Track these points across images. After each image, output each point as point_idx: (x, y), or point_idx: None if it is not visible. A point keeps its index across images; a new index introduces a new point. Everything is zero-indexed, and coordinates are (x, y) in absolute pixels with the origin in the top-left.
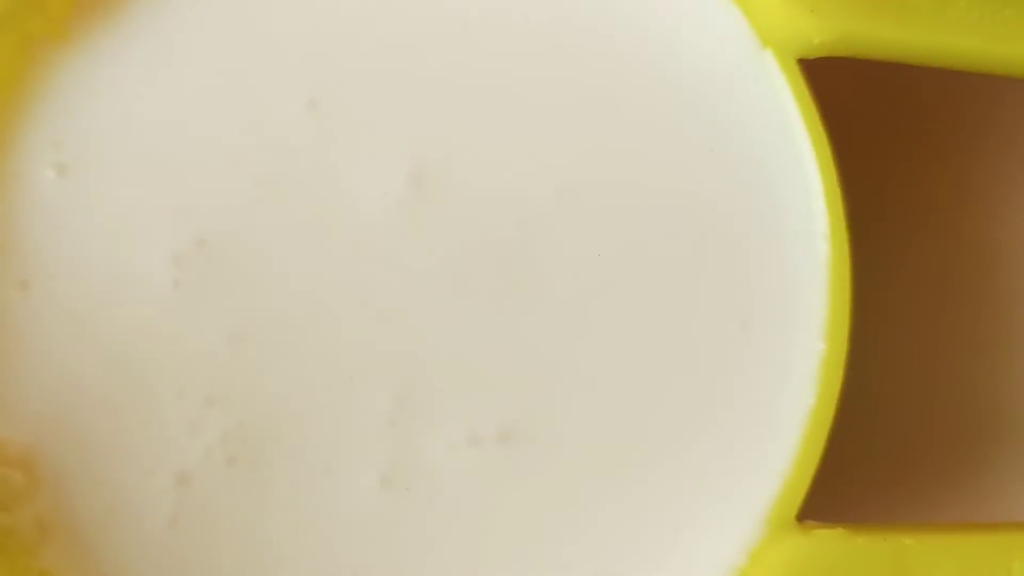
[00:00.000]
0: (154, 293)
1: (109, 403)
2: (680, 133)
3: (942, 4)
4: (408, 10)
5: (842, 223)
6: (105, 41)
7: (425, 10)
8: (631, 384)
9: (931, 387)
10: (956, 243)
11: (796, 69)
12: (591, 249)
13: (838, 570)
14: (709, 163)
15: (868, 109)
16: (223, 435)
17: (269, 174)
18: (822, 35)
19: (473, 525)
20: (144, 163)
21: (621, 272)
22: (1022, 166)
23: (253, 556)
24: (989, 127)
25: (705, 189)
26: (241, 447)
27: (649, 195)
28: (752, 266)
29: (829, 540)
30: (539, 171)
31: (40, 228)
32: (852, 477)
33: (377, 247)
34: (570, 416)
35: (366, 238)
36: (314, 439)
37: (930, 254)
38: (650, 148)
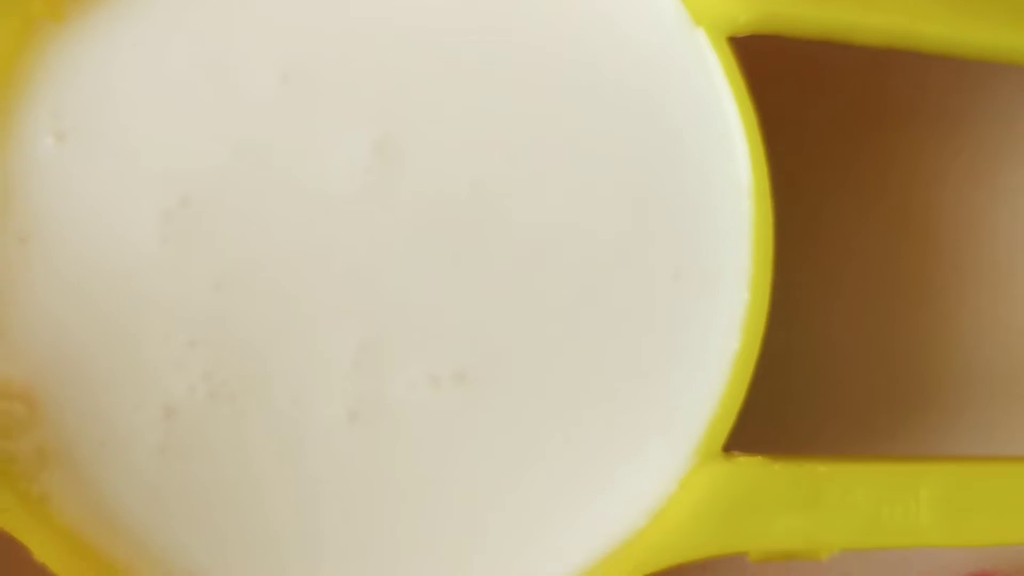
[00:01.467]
0: (142, 247)
1: (102, 344)
2: (619, 105)
3: None
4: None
5: (765, 184)
6: (98, 22)
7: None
8: (572, 331)
9: (853, 338)
10: (878, 201)
11: (725, 46)
12: (537, 211)
13: (757, 492)
14: (646, 133)
15: (802, 82)
16: (205, 373)
17: (247, 141)
18: (746, 14)
19: (431, 455)
20: (133, 131)
21: (564, 231)
22: (948, 135)
23: (233, 480)
24: (917, 101)
25: (641, 157)
26: (221, 384)
27: (590, 161)
28: (683, 224)
29: (749, 466)
30: (489, 141)
31: (39, 188)
32: (775, 415)
33: (344, 207)
34: (518, 359)
35: (334, 199)
36: (288, 378)
37: (853, 212)
38: (591, 119)
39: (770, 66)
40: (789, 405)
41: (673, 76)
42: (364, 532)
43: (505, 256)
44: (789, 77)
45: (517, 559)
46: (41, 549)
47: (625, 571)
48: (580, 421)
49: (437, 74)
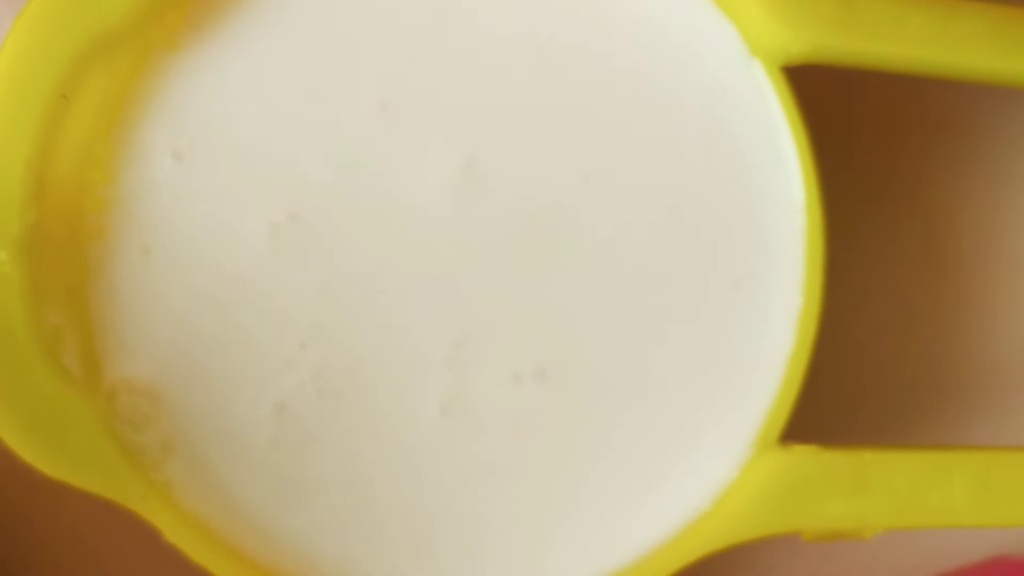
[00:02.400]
0: (254, 256)
1: (219, 345)
2: (684, 129)
3: (901, 20)
4: (460, 34)
5: (816, 198)
6: (212, 49)
7: (474, 33)
8: (643, 333)
9: (898, 340)
10: (911, 212)
11: (780, 75)
12: (609, 225)
13: (810, 478)
14: (708, 155)
15: (850, 106)
16: (314, 372)
17: (347, 162)
18: (798, 47)
19: (514, 445)
20: (245, 151)
21: (634, 245)
22: (976, 157)
23: (338, 469)
24: (946, 121)
25: (704, 176)
26: (328, 382)
27: (657, 180)
28: (742, 237)
29: (802, 454)
30: (566, 163)
31: (160, 203)
32: (826, 408)
33: (435, 221)
34: (592, 358)
35: (426, 213)
36: (386, 376)
37: (889, 222)
38: (658, 141)
39: (819, 91)
40: (838, 399)
41: (733, 102)
42: (456, 513)
43: (580, 265)
44: (835, 101)
45: (593, 539)
46: (171, 531)
47: (692, 550)
48: (649, 415)
49: (517, 102)
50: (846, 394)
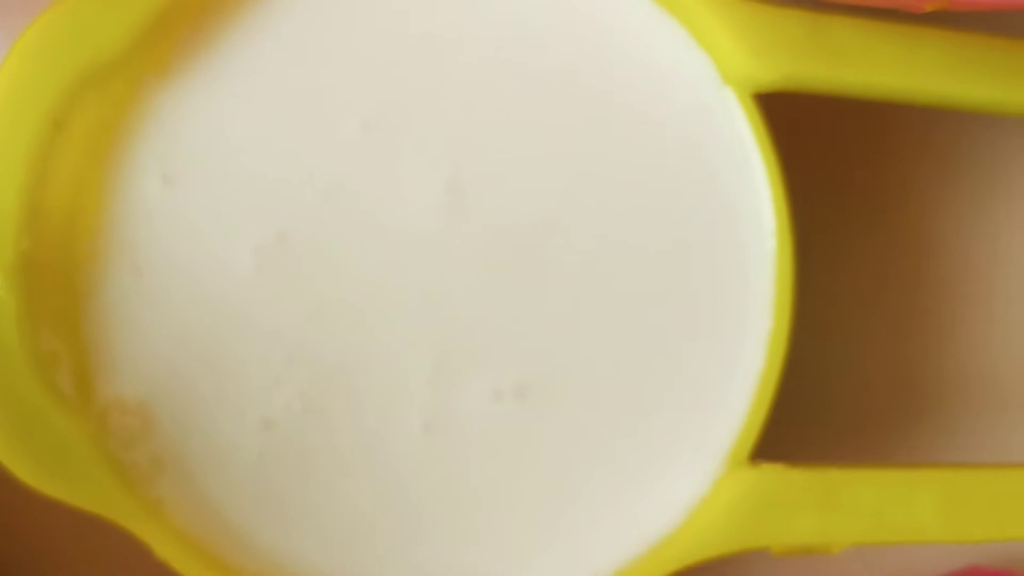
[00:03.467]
0: (242, 277)
1: (207, 364)
2: (660, 152)
3: (866, 49)
4: (444, 57)
5: (786, 223)
6: (200, 77)
7: (457, 56)
8: (619, 353)
9: (866, 360)
10: (893, 241)
11: (751, 102)
12: (587, 247)
13: (778, 495)
14: (684, 178)
15: (821, 130)
16: (300, 390)
17: (334, 182)
18: (769, 76)
19: (494, 460)
20: (232, 173)
21: (612, 264)
22: (952, 180)
23: (323, 485)
24: (926, 147)
25: (679, 199)
26: (314, 399)
27: (633, 204)
28: (716, 259)
29: (771, 472)
30: (546, 185)
31: (150, 225)
32: (795, 427)
33: (419, 241)
34: (571, 377)
35: (411, 234)
36: (371, 393)
37: (872, 250)
38: (635, 164)
39: (792, 116)
40: (807, 418)
41: (707, 128)
42: (437, 528)
43: (559, 285)
44: (809, 125)
45: (569, 552)
46: (161, 547)
47: (664, 564)
48: (625, 433)
49: (500, 122)
50: (815, 413)
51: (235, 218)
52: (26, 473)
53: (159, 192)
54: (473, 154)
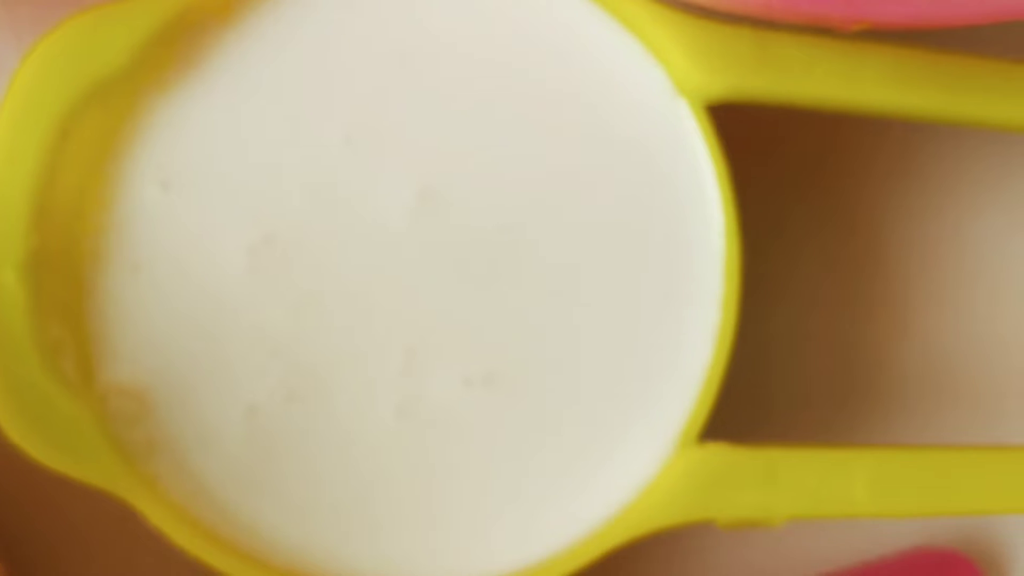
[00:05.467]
0: (232, 275)
1: (199, 354)
2: (618, 157)
3: (811, 63)
4: (417, 75)
5: (733, 224)
6: (196, 89)
7: (429, 75)
8: (579, 341)
9: (808, 350)
10: (838, 240)
11: (703, 112)
12: (550, 244)
13: (724, 472)
14: (640, 182)
15: (775, 137)
16: (282, 378)
17: (317, 189)
18: (719, 88)
19: (462, 443)
20: (225, 180)
21: (571, 262)
22: (898, 184)
23: (303, 467)
24: (876, 154)
25: (635, 201)
26: (296, 387)
27: (591, 207)
28: (667, 256)
29: (718, 451)
30: (512, 186)
31: (148, 227)
32: (741, 410)
33: (394, 242)
34: (535, 365)
35: (386, 236)
36: (349, 381)
37: (817, 248)
38: (594, 168)
39: (745, 124)
40: (752, 401)
41: (661, 136)
42: (409, 505)
43: (524, 281)
44: (762, 132)
45: (529, 527)
46: (156, 517)
47: (619, 535)
48: (584, 416)
49: (468, 132)
50: (758, 397)
51: (227, 221)
52: (35, 450)
53: (157, 196)
54: (443, 162)
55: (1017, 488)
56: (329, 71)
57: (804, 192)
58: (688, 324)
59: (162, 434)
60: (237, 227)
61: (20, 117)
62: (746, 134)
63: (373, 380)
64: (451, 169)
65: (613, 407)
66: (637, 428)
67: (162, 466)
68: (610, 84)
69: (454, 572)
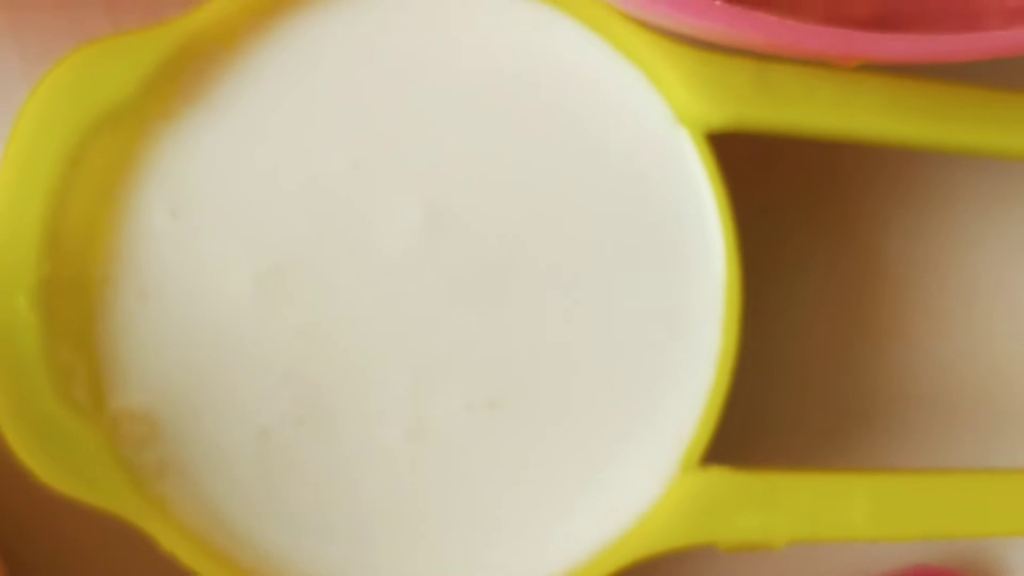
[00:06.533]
0: (241, 300)
1: (209, 378)
2: (618, 188)
3: (809, 93)
4: (421, 104)
5: (734, 251)
6: (204, 119)
7: (433, 103)
8: (582, 366)
9: (808, 376)
10: (836, 264)
11: (703, 141)
12: (554, 270)
13: (725, 496)
14: (640, 207)
15: (773, 165)
16: (293, 402)
17: (324, 216)
18: (719, 117)
19: (467, 465)
20: (233, 208)
21: (573, 287)
22: (895, 210)
23: (313, 489)
24: (873, 180)
25: (636, 226)
26: (305, 411)
27: (594, 234)
28: (669, 282)
29: (719, 475)
30: (514, 214)
31: (157, 253)
32: (742, 434)
33: (400, 268)
34: (538, 390)
35: (393, 261)
36: (357, 405)
37: (816, 273)
38: (595, 200)
39: (745, 151)
40: (753, 426)
41: (663, 164)
42: (416, 527)
43: (527, 305)
44: (761, 160)
45: (533, 548)
46: (166, 540)
47: (621, 557)
48: (587, 439)
49: (472, 159)
50: (758, 419)
51: (235, 248)
52: (45, 473)
53: (166, 224)
54: (448, 189)
55: (1017, 512)
56: (334, 97)
57: (803, 217)
58: (690, 348)
59: (172, 458)
60: (245, 253)
61: (30, 146)
62: (746, 160)
63: (380, 404)
64: (456, 194)
65: (615, 430)
66: (639, 451)
67: (172, 489)
68: (613, 113)
69: None
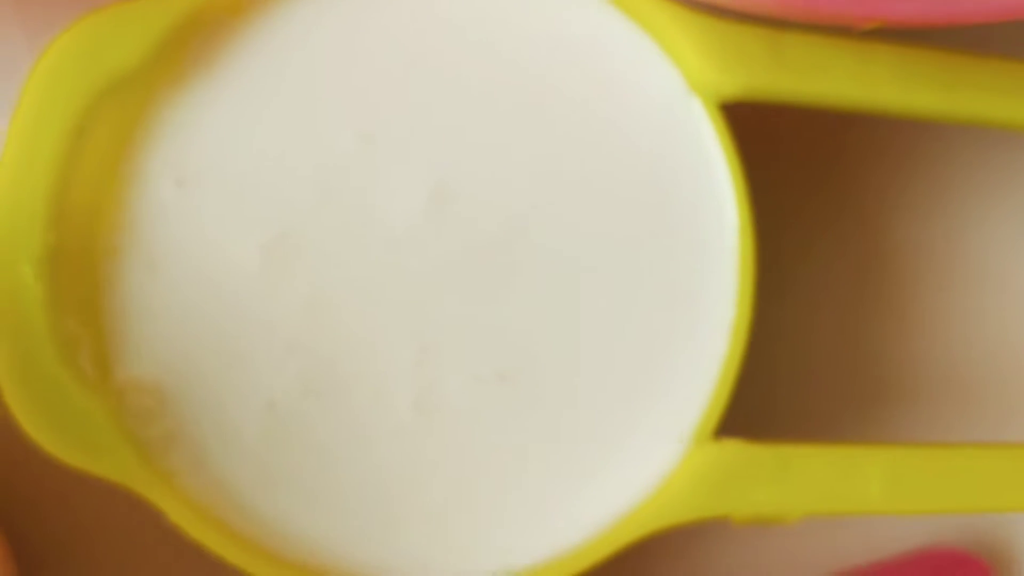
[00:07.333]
0: (247, 272)
1: (216, 350)
2: (630, 155)
3: (823, 63)
4: (431, 76)
5: (747, 220)
6: (211, 87)
7: (443, 75)
8: (593, 341)
9: (822, 347)
10: (850, 236)
11: (716, 110)
12: (562, 243)
13: (739, 469)
14: (653, 179)
15: (785, 136)
16: (299, 374)
17: (331, 188)
18: (732, 87)
19: (477, 437)
20: (241, 178)
21: (584, 261)
22: (907, 182)
23: (320, 461)
24: (887, 152)
25: (648, 198)
26: (312, 383)
27: (605, 204)
28: (682, 254)
29: (733, 447)
30: (523, 187)
31: (164, 224)
32: (756, 407)
33: (407, 241)
34: (548, 362)
35: (399, 235)
36: (365, 376)
37: (829, 244)
38: (607, 167)
39: (758, 122)
40: (767, 398)
41: (676, 134)
42: (425, 499)
43: (536, 279)
44: (774, 131)
45: (544, 521)
46: (174, 513)
47: (635, 529)
48: (600, 412)
49: (480, 132)
50: (774, 393)
51: (242, 218)
52: (51, 445)
53: (173, 194)
54: (457, 160)
55: None
56: (344, 69)
57: (815, 189)
58: (702, 320)
59: (179, 429)
60: (252, 224)
61: (36, 115)
62: (759, 132)
63: (388, 375)
64: (465, 167)
65: (627, 403)
66: (652, 424)
67: (179, 461)
68: (624, 83)
69: (468, 565)
